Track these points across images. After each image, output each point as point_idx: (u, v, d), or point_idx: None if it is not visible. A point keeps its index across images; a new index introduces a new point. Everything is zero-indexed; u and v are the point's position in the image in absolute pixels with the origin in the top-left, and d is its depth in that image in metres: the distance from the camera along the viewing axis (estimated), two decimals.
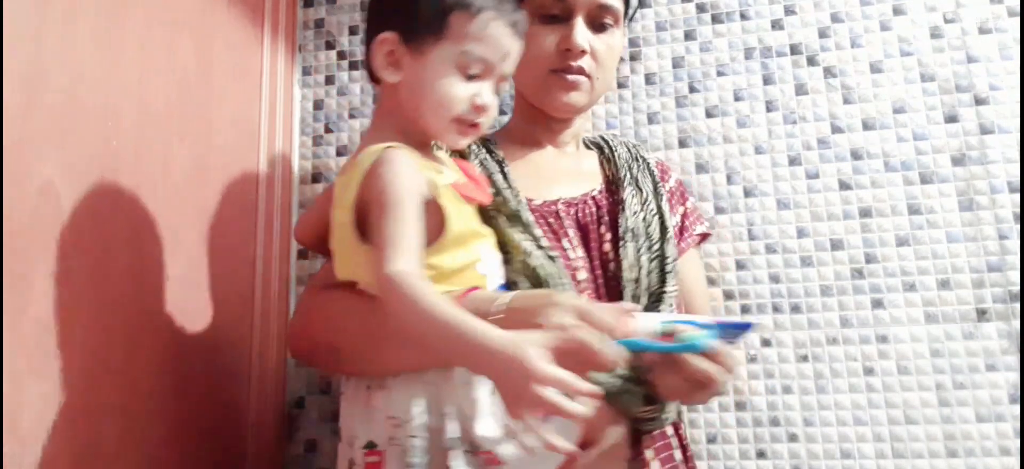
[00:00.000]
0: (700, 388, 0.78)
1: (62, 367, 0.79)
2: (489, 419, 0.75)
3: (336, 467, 0.84)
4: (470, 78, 0.79)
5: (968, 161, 1.19)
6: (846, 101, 1.25)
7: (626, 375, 0.84)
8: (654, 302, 0.91)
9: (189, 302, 1.03)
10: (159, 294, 0.97)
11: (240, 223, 1.20)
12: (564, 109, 1.00)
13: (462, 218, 0.79)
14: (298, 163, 1.39)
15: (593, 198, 0.99)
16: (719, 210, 1.25)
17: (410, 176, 0.76)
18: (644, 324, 0.75)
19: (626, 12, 1.03)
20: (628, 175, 1.01)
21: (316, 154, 1.39)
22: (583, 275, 0.92)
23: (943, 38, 1.24)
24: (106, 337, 0.87)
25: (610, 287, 0.92)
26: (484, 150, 1.00)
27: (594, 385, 0.75)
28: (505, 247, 0.88)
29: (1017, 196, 1.16)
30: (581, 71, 0.97)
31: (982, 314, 1.14)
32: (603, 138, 1.08)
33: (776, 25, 1.31)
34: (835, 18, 1.29)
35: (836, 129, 1.25)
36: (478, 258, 0.81)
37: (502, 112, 1.28)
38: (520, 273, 0.87)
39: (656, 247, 0.94)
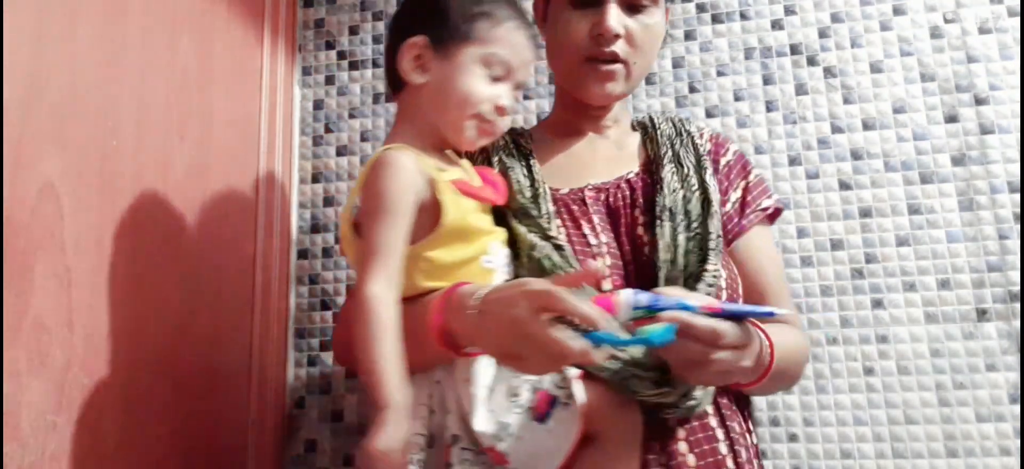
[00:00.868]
0: (697, 367, 0.71)
1: (62, 367, 0.79)
2: (484, 414, 0.75)
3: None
4: (493, 80, 0.85)
5: (968, 161, 1.19)
6: (846, 101, 1.25)
7: (631, 358, 0.79)
8: (692, 283, 0.84)
9: (189, 302, 1.03)
10: (159, 294, 0.97)
11: (240, 223, 1.20)
12: (600, 99, 0.97)
13: (460, 212, 0.81)
14: (298, 163, 1.39)
15: (627, 181, 0.94)
16: None
17: (404, 179, 0.79)
18: (624, 305, 0.69)
19: None
20: (669, 152, 0.95)
21: (316, 154, 1.39)
22: (608, 261, 0.87)
23: (943, 38, 1.24)
24: (106, 337, 0.87)
25: (644, 271, 0.87)
26: (513, 144, 1.00)
27: (599, 370, 0.76)
28: (515, 243, 0.88)
29: (1017, 196, 1.16)
30: (615, 58, 0.92)
31: (982, 314, 1.14)
32: (650, 117, 1.03)
33: (776, 25, 1.31)
34: (835, 18, 1.29)
35: (836, 129, 1.25)
36: (482, 252, 0.83)
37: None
38: (526, 267, 0.86)
39: (696, 225, 0.88)
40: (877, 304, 1.17)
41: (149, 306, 0.94)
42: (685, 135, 0.98)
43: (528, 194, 0.91)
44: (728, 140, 1.03)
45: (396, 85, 0.89)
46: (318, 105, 1.41)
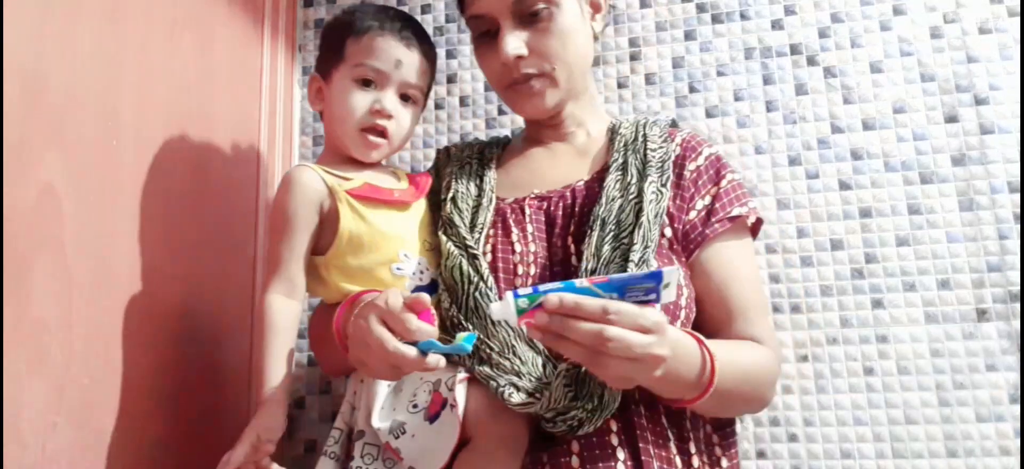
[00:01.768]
0: (598, 356, 0.66)
1: (62, 367, 0.79)
2: (382, 411, 0.81)
3: None
4: (367, 87, 0.92)
5: (968, 161, 1.19)
6: (846, 101, 1.25)
7: (512, 367, 0.79)
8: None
9: (189, 302, 1.03)
10: (159, 294, 0.97)
11: (240, 223, 1.20)
12: (538, 114, 0.97)
13: (358, 220, 0.88)
14: (298, 163, 1.39)
15: (572, 190, 0.93)
16: None
17: (297, 194, 0.89)
18: (507, 303, 0.67)
19: None
20: (620, 160, 0.92)
21: (316, 154, 1.39)
22: (533, 270, 0.87)
23: (943, 38, 1.24)
24: (106, 337, 0.87)
25: (560, 280, 0.80)
26: (478, 156, 1.02)
27: (483, 377, 0.79)
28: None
29: (1017, 196, 1.16)
30: (528, 77, 0.92)
31: (982, 314, 1.14)
32: (619, 122, 1.00)
33: (776, 25, 1.31)
34: (835, 18, 1.29)
35: (836, 129, 1.25)
36: (392, 260, 0.89)
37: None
38: (443, 275, 0.87)
39: (624, 236, 0.84)
40: (877, 304, 1.17)
41: (149, 306, 0.94)
42: (641, 140, 0.94)
43: (471, 204, 0.93)
44: (703, 144, 0.97)
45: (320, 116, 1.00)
46: None
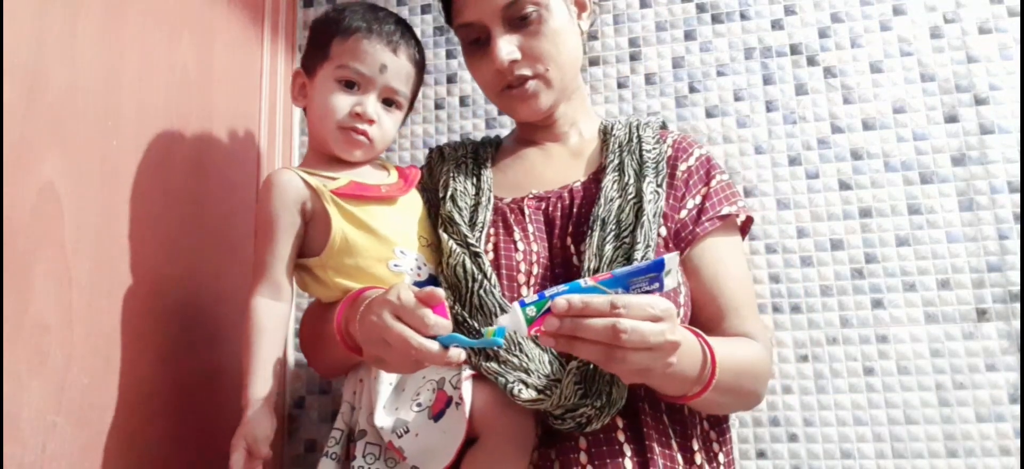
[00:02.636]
0: (611, 354, 0.66)
1: (62, 367, 0.79)
2: (384, 410, 0.81)
3: None
4: (350, 89, 0.91)
5: (968, 161, 1.19)
6: (846, 101, 1.25)
7: (521, 364, 0.79)
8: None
9: (189, 302, 1.03)
10: (159, 294, 0.97)
11: (240, 223, 1.20)
12: (534, 116, 0.97)
13: (349, 220, 0.88)
14: (298, 163, 1.39)
15: (570, 190, 0.94)
16: None
17: (278, 196, 0.88)
18: (513, 317, 0.68)
19: None
20: (616, 160, 0.93)
21: None
22: (536, 270, 0.88)
23: (943, 38, 1.24)
24: (106, 337, 0.87)
25: (569, 280, 0.83)
26: (473, 155, 1.02)
27: (491, 373, 0.78)
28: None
29: (1017, 196, 1.16)
30: (523, 79, 0.93)
31: (982, 314, 1.14)
32: (612, 123, 1.02)
33: (776, 25, 1.31)
34: (835, 18, 1.29)
35: (836, 129, 1.25)
36: (388, 256, 0.89)
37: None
38: (445, 273, 0.87)
39: (625, 235, 0.85)
40: (877, 304, 1.17)
41: (149, 306, 0.94)
42: (636, 140, 0.96)
43: (470, 203, 0.93)
44: (694, 144, 0.99)
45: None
46: None
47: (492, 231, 0.92)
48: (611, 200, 0.88)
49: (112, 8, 0.91)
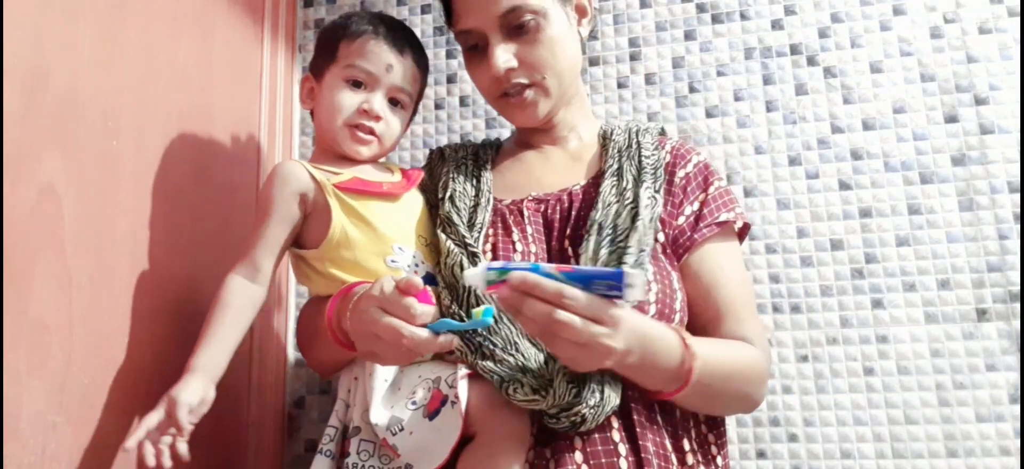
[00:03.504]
0: (547, 334, 0.70)
1: (62, 367, 0.79)
2: (379, 407, 0.81)
3: None
4: (357, 89, 0.94)
5: (968, 161, 1.19)
6: (846, 101, 1.25)
7: (518, 364, 0.80)
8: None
9: (189, 302, 1.03)
10: (159, 294, 0.97)
11: (240, 223, 1.20)
12: (530, 122, 0.98)
13: (349, 214, 0.89)
14: None
15: (569, 193, 0.95)
16: None
17: (279, 185, 0.90)
18: (479, 274, 0.71)
19: None
20: (615, 165, 0.94)
21: None
22: None
23: (943, 38, 1.24)
24: (106, 337, 0.87)
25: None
26: (473, 156, 1.03)
27: (486, 372, 0.79)
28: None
29: (1017, 196, 1.16)
30: (520, 87, 0.94)
31: (982, 314, 1.14)
32: (611, 128, 1.02)
33: (776, 25, 1.31)
34: (835, 18, 1.29)
35: (836, 129, 1.25)
36: (385, 252, 0.90)
37: None
38: (442, 273, 0.88)
39: (621, 239, 0.85)
40: (877, 304, 1.17)
41: (149, 306, 0.94)
42: (635, 146, 0.96)
43: (469, 203, 0.94)
44: (692, 151, 1.00)
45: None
46: None
47: (491, 232, 0.93)
48: (609, 205, 0.89)
49: (112, 8, 0.91)
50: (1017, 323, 1.13)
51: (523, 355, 0.81)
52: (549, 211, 0.94)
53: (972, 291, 1.15)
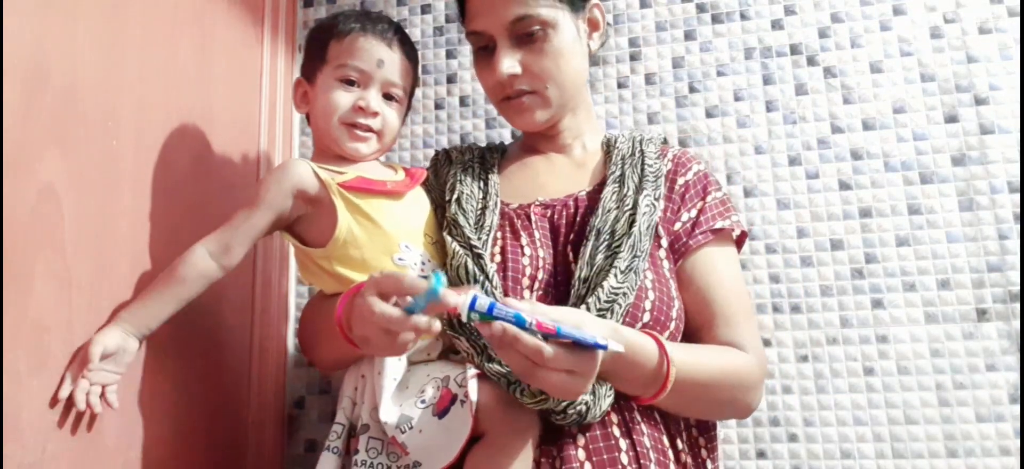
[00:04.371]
0: (526, 377, 0.72)
1: (62, 367, 0.79)
2: (389, 405, 0.81)
3: None
4: (351, 87, 0.94)
5: (968, 161, 1.19)
6: (846, 101, 1.25)
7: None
8: (579, 300, 0.84)
9: (189, 302, 1.03)
10: None
11: None
12: (530, 128, 1.00)
13: (355, 213, 0.89)
14: None
15: (575, 199, 0.96)
16: None
17: (276, 178, 0.90)
18: (463, 306, 0.69)
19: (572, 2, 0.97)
20: (617, 172, 0.95)
21: None
22: (541, 275, 0.90)
23: (943, 38, 1.24)
24: None
25: (565, 287, 0.88)
26: (479, 159, 1.04)
27: (493, 373, 0.80)
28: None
29: (1017, 196, 1.16)
30: (521, 94, 0.96)
31: (982, 314, 1.14)
32: (615, 136, 1.04)
33: (776, 25, 1.31)
34: (835, 18, 1.29)
35: (836, 129, 1.25)
36: (392, 250, 0.90)
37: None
38: (449, 274, 0.88)
39: (617, 245, 0.87)
40: (877, 304, 1.17)
41: None
42: (638, 154, 0.98)
43: (476, 206, 0.95)
44: (693, 160, 1.02)
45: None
46: None
47: (499, 235, 0.94)
48: (608, 211, 0.91)
49: (112, 8, 0.91)
50: (1017, 323, 1.13)
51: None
52: (556, 216, 0.95)
53: (972, 291, 1.15)
